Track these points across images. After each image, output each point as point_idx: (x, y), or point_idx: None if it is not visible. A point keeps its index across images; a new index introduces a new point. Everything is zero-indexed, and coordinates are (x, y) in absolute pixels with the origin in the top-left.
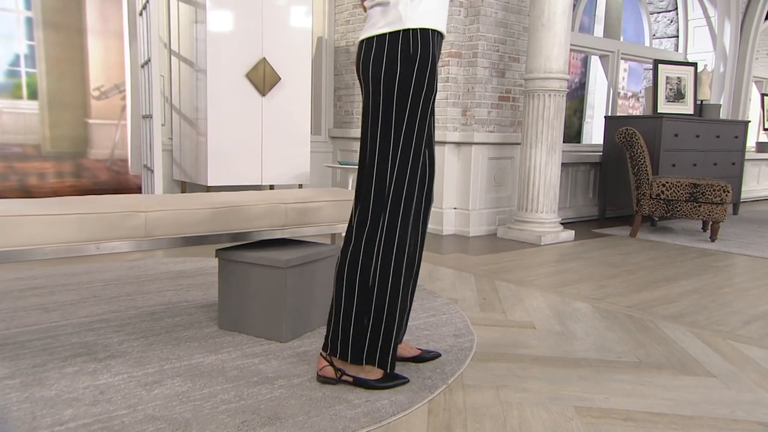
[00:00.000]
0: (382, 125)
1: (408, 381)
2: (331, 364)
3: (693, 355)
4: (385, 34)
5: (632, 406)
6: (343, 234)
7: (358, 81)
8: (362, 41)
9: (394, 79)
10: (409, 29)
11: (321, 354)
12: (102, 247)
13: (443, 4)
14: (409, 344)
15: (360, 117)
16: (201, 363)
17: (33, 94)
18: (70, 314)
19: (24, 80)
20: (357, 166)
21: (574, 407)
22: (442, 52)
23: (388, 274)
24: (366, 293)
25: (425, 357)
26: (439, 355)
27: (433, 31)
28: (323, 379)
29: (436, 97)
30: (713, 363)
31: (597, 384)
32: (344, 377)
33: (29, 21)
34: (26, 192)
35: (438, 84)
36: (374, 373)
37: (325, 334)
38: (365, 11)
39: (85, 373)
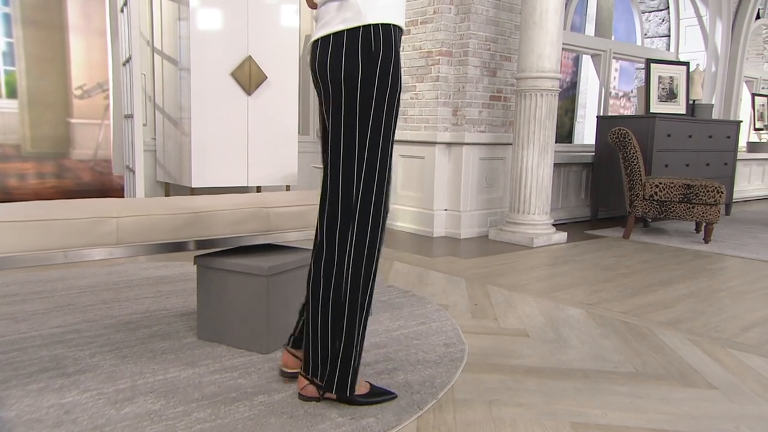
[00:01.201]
0: (345, 128)
1: (395, 396)
2: (312, 382)
3: (692, 364)
4: (342, 32)
5: (631, 421)
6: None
7: (313, 84)
8: (316, 41)
9: (356, 79)
10: (369, 25)
11: (300, 373)
12: (70, 255)
13: None
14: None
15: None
16: (176, 377)
17: (12, 93)
18: (40, 324)
19: (2, 78)
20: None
21: (570, 423)
22: (432, 50)
23: (358, 287)
24: (339, 310)
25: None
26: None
27: (394, 26)
28: (305, 398)
29: (401, 97)
30: (713, 373)
31: (593, 397)
32: (327, 395)
33: (7, 17)
34: (6, 194)
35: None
36: (360, 387)
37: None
38: (313, 8)
39: (50, 390)
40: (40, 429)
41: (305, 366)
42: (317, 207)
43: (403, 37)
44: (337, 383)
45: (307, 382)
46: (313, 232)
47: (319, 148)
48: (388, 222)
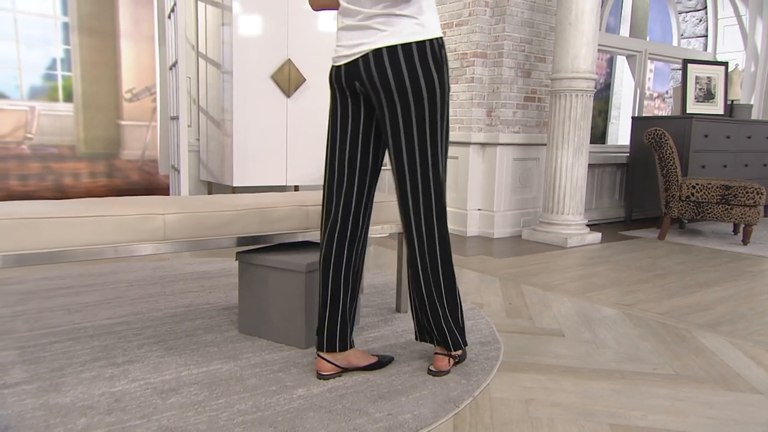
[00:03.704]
0: (430, 135)
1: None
2: (448, 355)
3: (734, 368)
4: (411, 44)
5: (672, 424)
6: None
7: (365, 90)
8: (381, 49)
9: (434, 89)
10: (434, 38)
11: (440, 354)
12: (120, 250)
13: None
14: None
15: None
16: (219, 369)
17: (68, 97)
18: (92, 316)
19: (60, 83)
20: (397, 176)
21: (608, 424)
22: (467, 52)
23: (449, 261)
24: (449, 281)
25: (382, 363)
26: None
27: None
28: (443, 373)
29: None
30: (757, 378)
31: (632, 399)
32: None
33: (66, 26)
34: (61, 192)
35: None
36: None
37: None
38: (318, 10)
39: (102, 379)
40: (92, 415)
41: (444, 343)
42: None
43: None
44: (461, 339)
45: (446, 358)
46: None
47: None
48: None
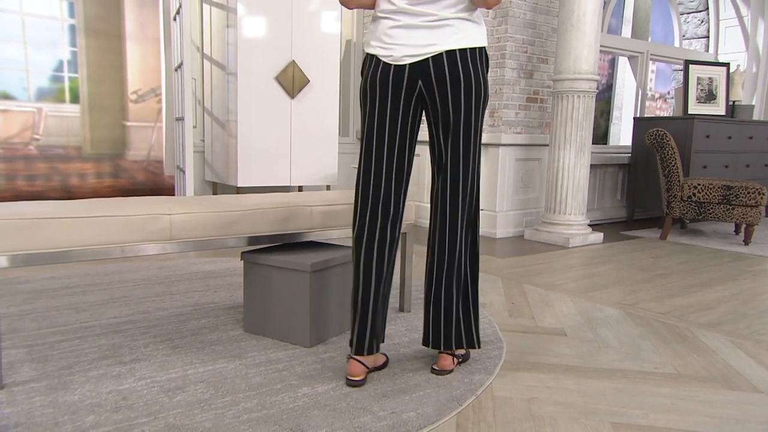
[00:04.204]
0: (474, 136)
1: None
2: (452, 354)
3: (735, 367)
4: (475, 48)
5: (674, 423)
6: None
7: (429, 88)
8: (455, 51)
9: (487, 90)
10: (484, 46)
11: (445, 353)
12: (127, 250)
13: None
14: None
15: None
16: (224, 368)
17: (75, 98)
18: (99, 315)
19: (67, 85)
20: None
21: (611, 423)
22: None
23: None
24: (474, 277)
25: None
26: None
27: None
28: (446, 372)
29: None
30: (758, 377)
31: (634, 398)
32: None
33: (72, 28)
34: (68, 192)
35: None
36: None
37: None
38: (351, 9)
39: (109, 377)
40: (100, 413)
41: (446, 343)
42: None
43: None
44: (476, 339)
45: (450, 357)
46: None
47: (358, 149)
48: (422, 220)
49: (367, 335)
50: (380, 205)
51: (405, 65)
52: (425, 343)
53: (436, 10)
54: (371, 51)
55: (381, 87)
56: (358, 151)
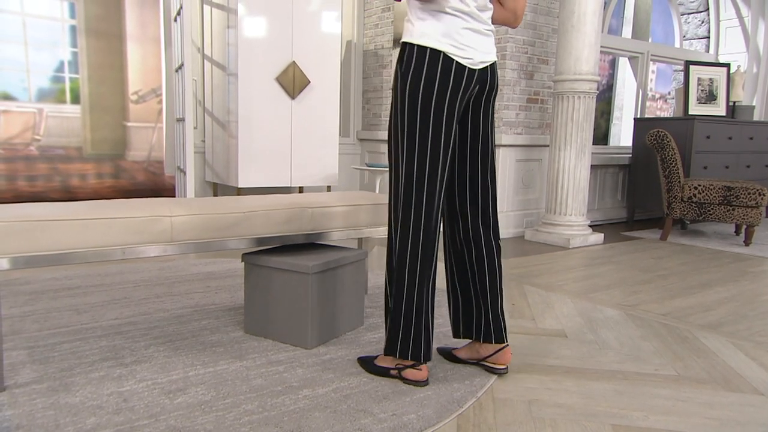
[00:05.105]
0: (494, 143)
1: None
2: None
3: (736, 369)
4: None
5: (674, 425)
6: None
7: (479, 93)
8: (492, 64)
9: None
10: None
11: (506, 347)
12: (128, 252)
13: None
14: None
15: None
16: (225, 370)
17: (75, 99)
18: (100, 316)
19: (68, 85)
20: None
21: (611, 425)
22: None
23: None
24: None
25: None
26: None
27: None
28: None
29: None
30: (759, 378)
31: (634, 399)
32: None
33: (73, 29)
34: (68, 192)
35: None
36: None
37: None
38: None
39: (110, 379)
40: (101, 415)
41: (504, 335)
42: (357, 208)
43: None
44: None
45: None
46: (355, 232)
47: (359, 150)
48: None
49: (432, 339)
50: (435, 210)
51: (476, 70)
52: (486, 338)
53: (486, 20)
54: (439, 47)
55: (453, 86)
56: (360, 152)
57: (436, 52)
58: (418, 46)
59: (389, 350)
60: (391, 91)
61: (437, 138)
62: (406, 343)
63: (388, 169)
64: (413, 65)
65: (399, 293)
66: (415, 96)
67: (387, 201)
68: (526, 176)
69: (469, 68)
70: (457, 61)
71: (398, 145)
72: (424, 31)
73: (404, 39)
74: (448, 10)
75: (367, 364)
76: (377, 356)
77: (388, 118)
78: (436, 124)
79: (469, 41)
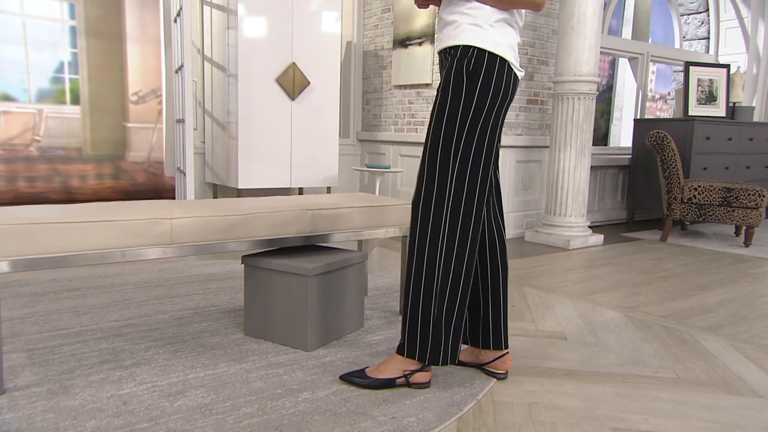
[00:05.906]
0: None
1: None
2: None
3: (736, 371)
4: None
5: (674, 428)
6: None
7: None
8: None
9: None
10: None
11: (507, 353)
12: (128, 254)
13: None
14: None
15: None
16: (225, 372)
17: (75, 99)
18: (99, 318)
19: (67, 86)
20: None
21: (611, 428)
22: None
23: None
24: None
25: None
26: None
27: None
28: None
29: None
30: (759, 381)
31: (634, 402)
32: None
33: (73, 29)
34: (68, 193)
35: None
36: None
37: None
38: (424, 7)
39: (110, 382)
40: (101, 418)
41: (505, 343)
42: (358, 210)
43: None
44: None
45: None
46: (355, 234)
47: (359, 151)
48: None
49: (460, 340)
50: (482, 213)
51: (519, 80)
52: (485, 344)
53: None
54: (508, 57)
55: (510, 97)
56: (360, 153)
57: (505, 63)
58: (491, 53)
59: (409, 352)
60: (436, 91)
61: (496, 146)
62: (437, 346)
63: (411, 172)
64: (484, 70)
65: (441, 298)
66: (483, 102)
67: (386, 204)
68: (526, 177)
69: (518, 78)
70: (515, 73)
71: (450, 146)
72: (498, 40)
73: (472, 43)
74: (511, 22)
75: (360, 377)
76: (364, 369)
77: (395, 118)
78: (494, 131)
79: (517, 53)
